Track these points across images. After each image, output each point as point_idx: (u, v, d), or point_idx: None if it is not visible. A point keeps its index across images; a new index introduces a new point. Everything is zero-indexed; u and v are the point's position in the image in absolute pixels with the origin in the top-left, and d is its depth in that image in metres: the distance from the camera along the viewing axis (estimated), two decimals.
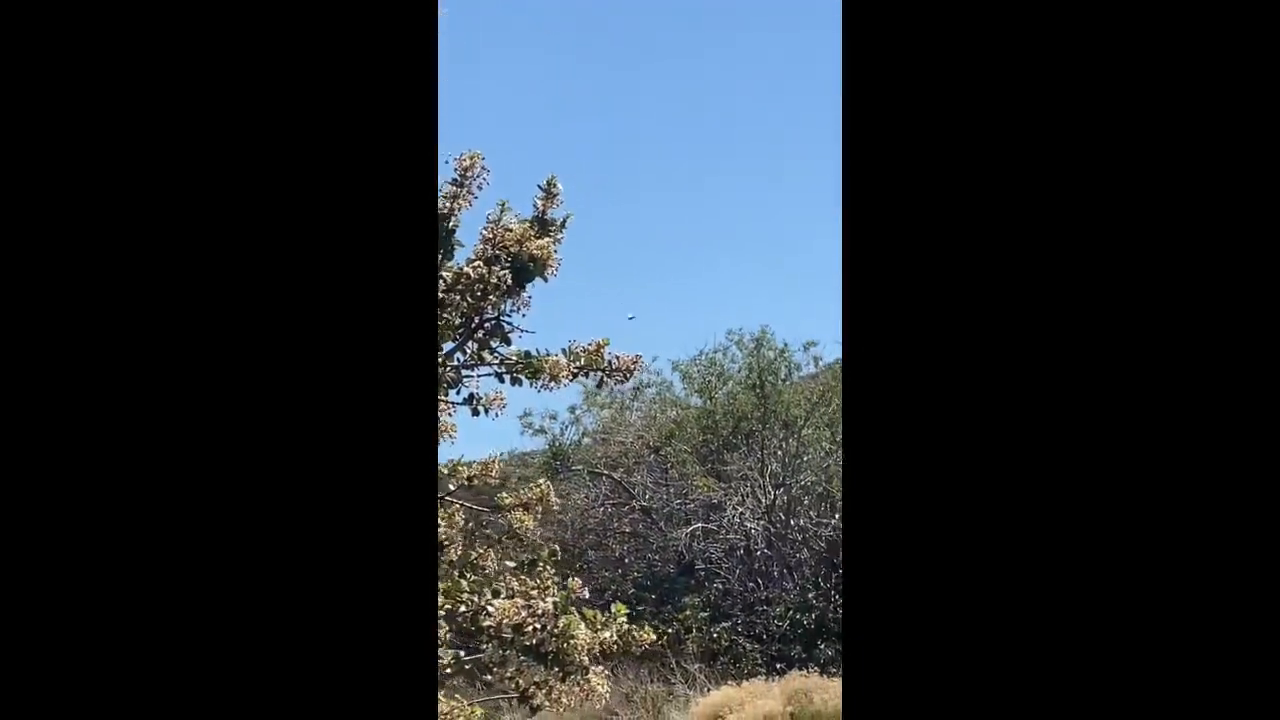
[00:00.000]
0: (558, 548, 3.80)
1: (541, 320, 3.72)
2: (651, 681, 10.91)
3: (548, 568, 3.59)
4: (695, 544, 12.93)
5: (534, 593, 3.39)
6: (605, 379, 3.62)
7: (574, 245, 3.48)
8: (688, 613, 12.24)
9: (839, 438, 12.60)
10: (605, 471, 13.77)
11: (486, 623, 3.19)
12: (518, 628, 3.15)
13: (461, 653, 3.23)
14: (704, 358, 14.08)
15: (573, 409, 14.31)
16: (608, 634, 3.29)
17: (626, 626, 3.31)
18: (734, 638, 11.94)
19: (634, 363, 3.65)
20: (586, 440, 14.40)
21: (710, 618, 12.19)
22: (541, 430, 14.12)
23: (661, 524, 13.40)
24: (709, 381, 13.85)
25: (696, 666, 11.27)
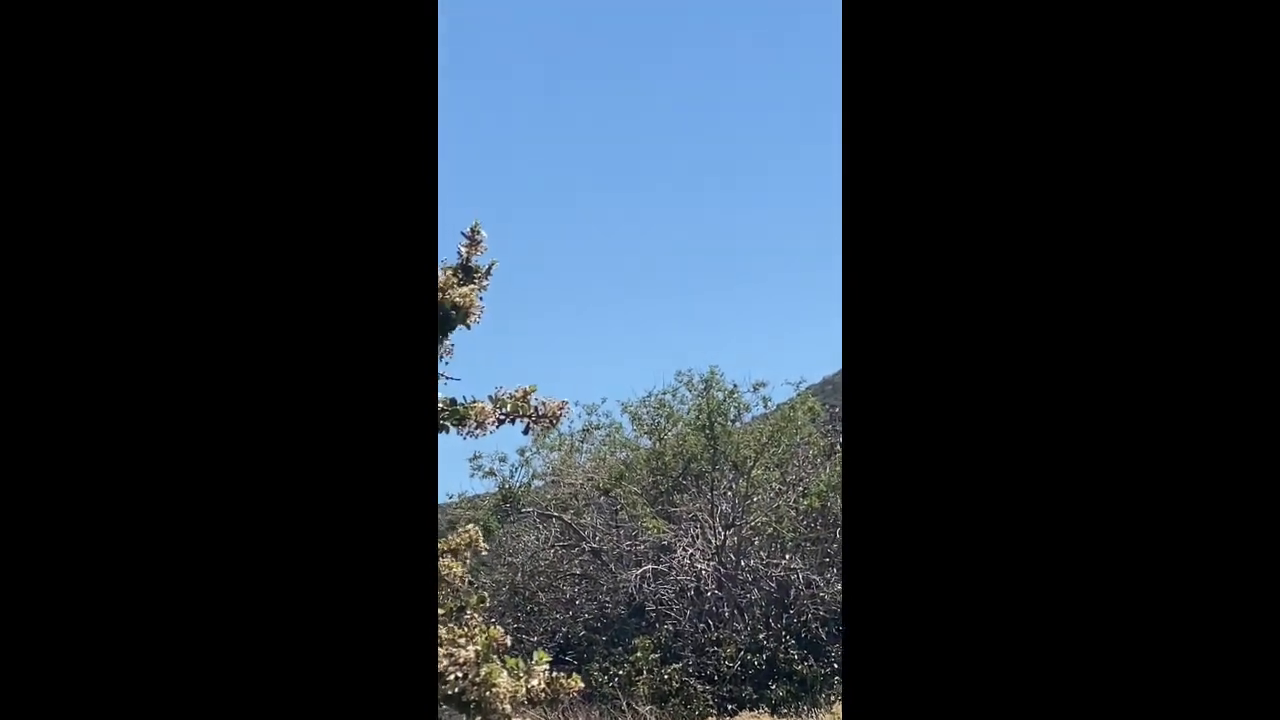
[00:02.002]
0: (486, 594, 3.78)
1: (470, 366, 3.71)
2: None
3: (475, 614, 3.57)
4: (646, 585, 12.90)
5: (461, 640, 3.37)
6: (532, 425, 3.61)
7: (502, 289, 3.48)
8: (639, 654, 12.20)
9: (789, 479, 12.62)
10: (555, 513, 13.74)
11: None
12: (439, 676, 3.13)
13: None
14: (653, 399, 14.08)
15: (522, 451, 14.29)
16: (535, 681, 3.27)
17: (553, 674, 3.29)
18: (685, 679, 11.90)
19: (560, 408, 3.64)
20: (536, 482, 14.37)
21: (661, 659, 12.15)
22: (491, 473, 14.09)
23: (612, 565, 13.37)
24: (658, 423, 13.85)
25: (648, 708, 11.24)
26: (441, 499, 14.22)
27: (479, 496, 14.50)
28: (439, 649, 3.18)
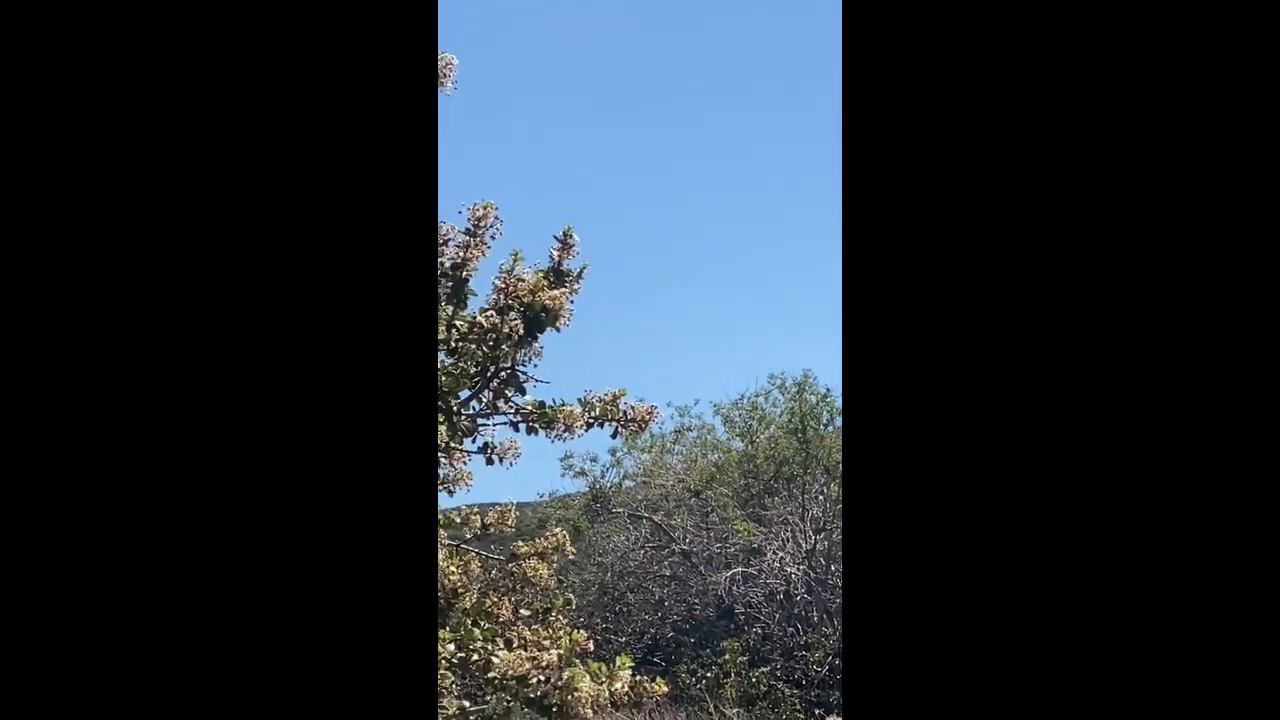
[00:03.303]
0: (572, 597, 3.80)
1: (559, 369, 3.73)
2: None
3: (561, 617, 3.59)
4: (735, 588, 12.86)
5: (545, 643, 3.38)
6: (620, 429, 3.63)
7: (596, 292, 3.49)
8: (727, 657, 12.18)
9: None
10: (645, 514, 13.74)
11: (491, 674, 3.18)
12: (521, 679, 3.14)
13: (467, 703, 3.23)
14: (745, 401, 14.06)
15: (613, 451, 14.31)
16: (617, 685, 3.27)
17: (636, 678, 3.30)
18: (773, 682, 11.86)
19: (649, 413, 3.65)
20: (627, 483, 14.39)
21: (749, 662, 12.12)
22: (582, 473, 14.12)
23: (701, 568, 13.35)
24: (750, 425, 13.82)
25: (735, 711, 11.22)
26: (531, 498, 14.29)
27: (569, 496, 14.53)
28: (523, 651, 3.20)
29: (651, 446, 14.25)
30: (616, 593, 13.44)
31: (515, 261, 3.48)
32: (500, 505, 3.81)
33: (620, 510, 13.97)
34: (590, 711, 3.10)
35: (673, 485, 13.94)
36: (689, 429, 14.48)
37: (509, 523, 3.80)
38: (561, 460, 14.20)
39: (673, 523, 13.67)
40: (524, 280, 3.43)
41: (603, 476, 14.20)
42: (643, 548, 13.73)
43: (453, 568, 3.54)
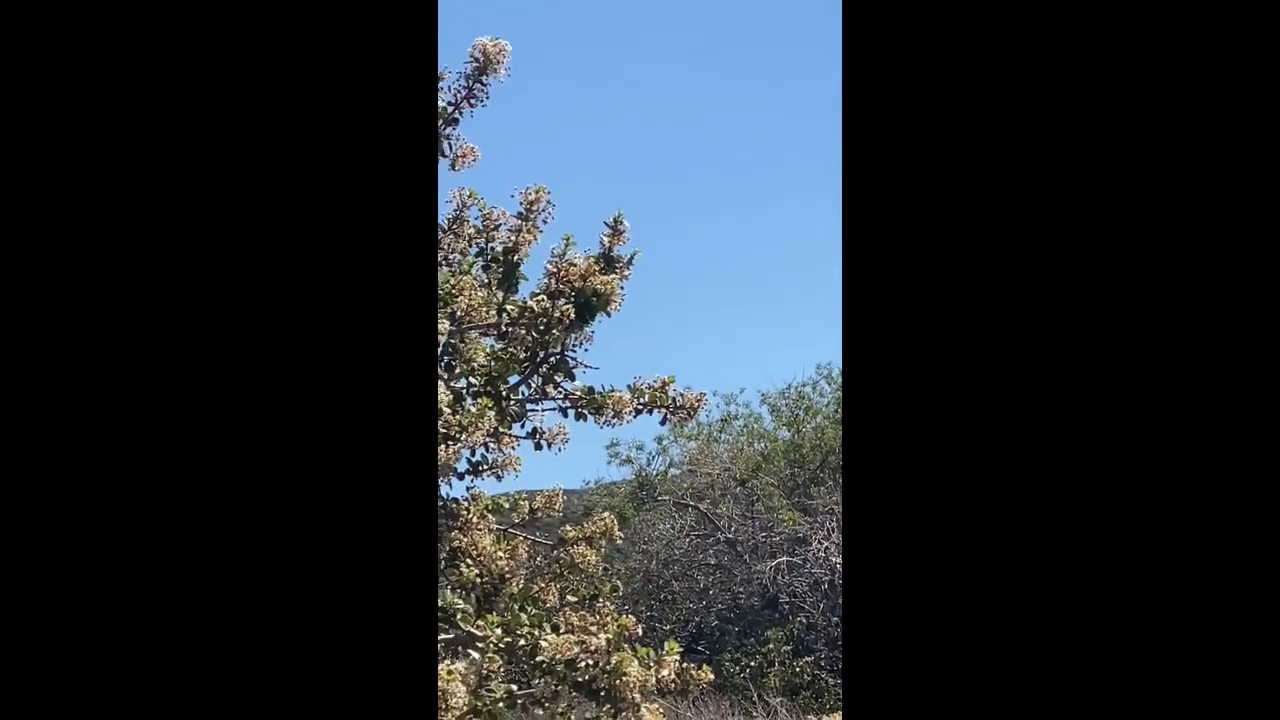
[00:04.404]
0: (619, 583, 3.80)
1: (608, 355, 3.73)
2: (734, 715, 10.87)
3: (608, 603, 3.59)
4: (780, 577, 12.86)
5: (592, 628, 3.39)
6: (670, 415, 3.62)
7: (644, 278, 3.50)
8: (771, 646, 12.19)
9: None
10: (691, 503, 13.75)
11: (540, 658, 3.19)
12: (570, 663, 3.14)
13: (514, 687, 3.24)
14: (792, 391, 14.04)
15: (660, 439, 14.32)
16: (665, 671, 3.27)
17: (683, 665, 3.30)
18: (817, 672, 11.87)
19: (699, 400, 3.65)
20: (673, 471, 14.39)
21: (793, 651, 12.13)
22: (628, 460, 14.14)
23: (746, 556, 13.36)
24: (797, 415, 13.80)
25: (779, 700, 11.21)
26: (577, 485, 14.32)
27: (615, 484, 14.55)
28: (569, 635, 3.20)
29: (698, 435, 14.26)
30: (661, 581, 13.46)
31: (567, 246, 3.48)
32: (548, 491, 3.80)
33: (666, 498, 13.98)
34: (638, 696, 3.09)
35: (719, 474, 13.94)
36: (736, 418, 14.48)
37: (556, 508, 3.80)
38: (608, 448, 14.23)
39: (718, 511, 13.68)
40: (575, 265, 3.43)
41: (649, 464, 14.22)
42: (688, 536, 13.74)
43: (500, 553, 3.55)
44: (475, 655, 3.21)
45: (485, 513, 3.48)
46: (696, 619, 13.12)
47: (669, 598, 13.37)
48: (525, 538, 3.74)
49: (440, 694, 2.96)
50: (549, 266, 3.47)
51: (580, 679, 3.13)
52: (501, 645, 3.31)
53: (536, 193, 3.54)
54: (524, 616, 3.43)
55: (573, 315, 3.42)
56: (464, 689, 3.00)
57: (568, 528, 3.79)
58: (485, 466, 3.68)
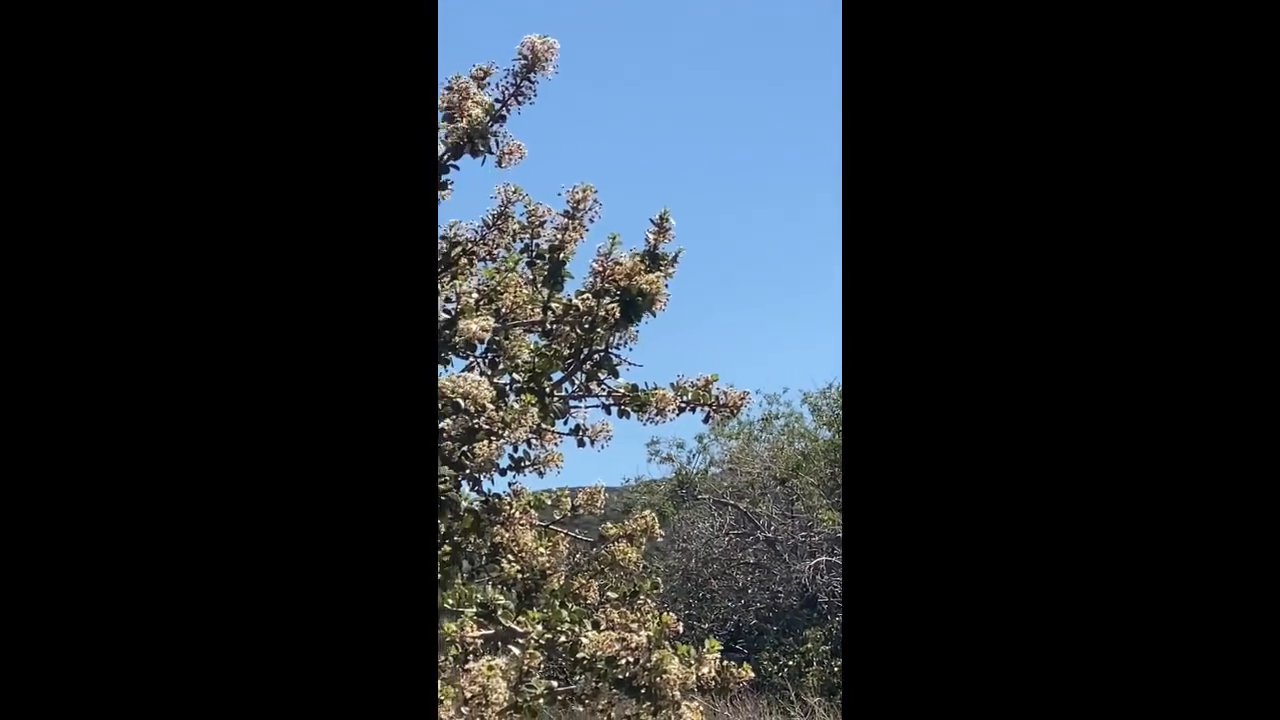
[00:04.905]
0: (660, 580, 3.80)
1: (651, 352, 3.74)
2: (772, 714, 10.87)
3: (648, 600, 3.60)
4: (819, 577, 12.85)
5: (634, 625, 3.39)
6: (713, 414, 3.63)
7: (688, 274, 3.51)
8: (809, 646, 12.18)
9: None
10: (731, 501, 13.75)
11: (581, 654, 3.20)
12: (611, 660, 3.15)
13: (555, 683, 3.25)
14: (834, 390, 14.02)
15: (700, 438, 14.32)
16: (705, 669, 3.28)
17: (724, 663, 3.30)
18: None
19: (742, 399, 3.65)
20: (713, 469, 14.40)
21: (832, 651, 12.11)
22: (668, 458, 14.15)
23: (786, 556, 13.35)
24: (838, 415, 13.78)
25: (817, 700, 11.20)
26: (617, 482, 14.34)
27: (655, 481, 14.57)
28: (608, 633, 3.21)
29: (739, 434, 14.26)
30: (700, 579, 13.47)
31: (613, 245, 3.49)
32: (589, 488, 3.82)
33: (705, 497, 13.99)
34: (678, 694, 3.10)
35: (759, 473, 13.94)
36: (777, 417, 14.47)
37: (598, 505, 3.81)
38: (648, 445, 14.26)
39: (758, 510, 13.67)
40: (621, 264, 3.44)
41: (689, 462, 14.23)
42: (727, 535, 13.74)
43: (541, 549, 3.56)
44: (516, 651, 3.22)
45: (528, 508, 3.49)
46: (735, 618, 13.12)
47: (708, 596, 13.37)
48: (566, 534, 3.76)
49: (481, 690, 2.97)
50: (595, 265, 3.48)
51: (621, 676, 3.14)
52: (542, 641, 3.32)
53: (584, 191, 3.55)
54: (564, 613, 3.44)
55: (618, 314, 3.43)
56: (504, 685, 3.01)
57: (609, 525, 3.81)
58: (527, 463, 3.69)
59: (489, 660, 3.05)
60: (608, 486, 4.04)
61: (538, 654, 3.20)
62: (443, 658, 3.11)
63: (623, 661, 3.15)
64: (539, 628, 3.32)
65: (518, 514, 3.47)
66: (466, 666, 3.05)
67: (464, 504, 3.39)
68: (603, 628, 3.39)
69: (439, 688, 3.08)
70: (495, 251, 3.72)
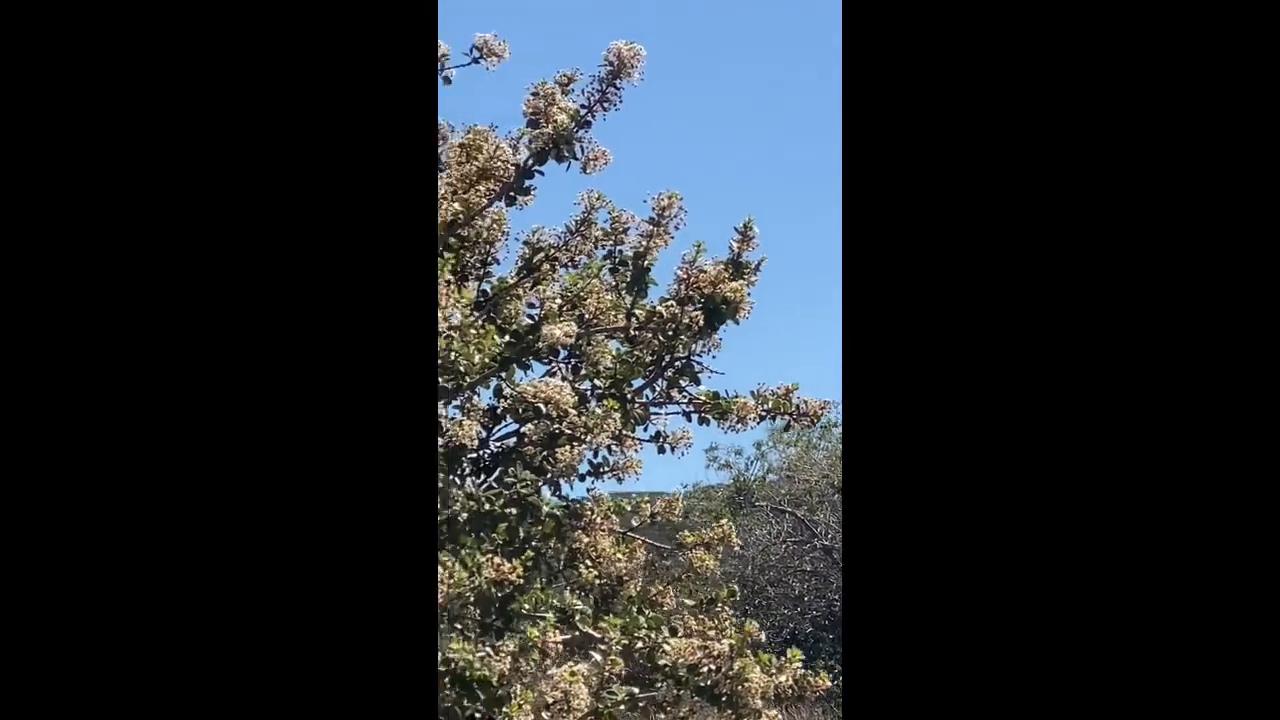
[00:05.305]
0: (737, 588, 3.81)
1: (732, 360, 3.74)
2: None
3: (726, 608, 3.60)
4: None
5: (711, 633, 3.40)
6: (793, 422, 3.64)
7: (768, 281, 3.51)
8: None
9: None
10: (788, 509, 13.71)
11: (662, 661, 3.20)
12: (693, 668, 3.16)
13: (635, 690, 3.25)
14: None
15: (759, 445, 14.29)
16: (783, 678, 3.28)
17: (802, 671, 3.30)
18: None
19: (823, 407, 3.66)
20: (771, 477, 14.36)
21: None
22: (726, 465, 14.13)
23: (842, 564, 13.28)
24: None
25: None
26: (675, 488, 14.32)
27: (713, 487, 14.54)
28: (691, 640, 3.22)
29: (797, 441, 14.21)
30: (756, 586, 13.42)
31: (698, 253, 3.50)
32: (667, 495, 3.83)
33: (763, 504, 13.95)
34: (760, 702, 3.11)
35: (816, 480, 13.89)
36: (835, 425, 14.41)
37: (676, 512, 3.82)
38: (706, 452, 14.23)
39: (815, 518, 13.63)
40: (705, 272, 3.45)
41: (747, 469, 14.19)
42: (784, 542, 13.70)
43: (619, 555, 3.56)
44: (597, 658, 3.23)
45: (609, 515, 3.50)
46: (791, 625, 13.08)
47: (764, 603, 13.33)
48: (643, 541, 3.76)
49: (564, 695, 2.99)
50: (679, 273, 3.49)
51: (702, 684, 3.14)
52: (619, 648, 3.33)
53: (669, 198, 3.56)
54: (641, 619, 3.45)
55: (701, 322, 3.44)
56: (586, 691, 3.02)
57: (686, 533, 3.81)
58: (606, 468, 3.70)
59: (571, 666, 3.06)
60: (665, 492, 4.05)
61: (619, 660, 3.21)
62: (524, 663, 3.12)
63: (704, 669, 3.16)
64: (616, 634, 3.33)
65: (599, 520, 3.48)
66: (549, 672, 3.06)
67: (545, 509, 3.39)
68: (680, 635, 3.39)
69: (518, 693, 3.10)
70: (576, 258, 3.73)
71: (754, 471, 14.23)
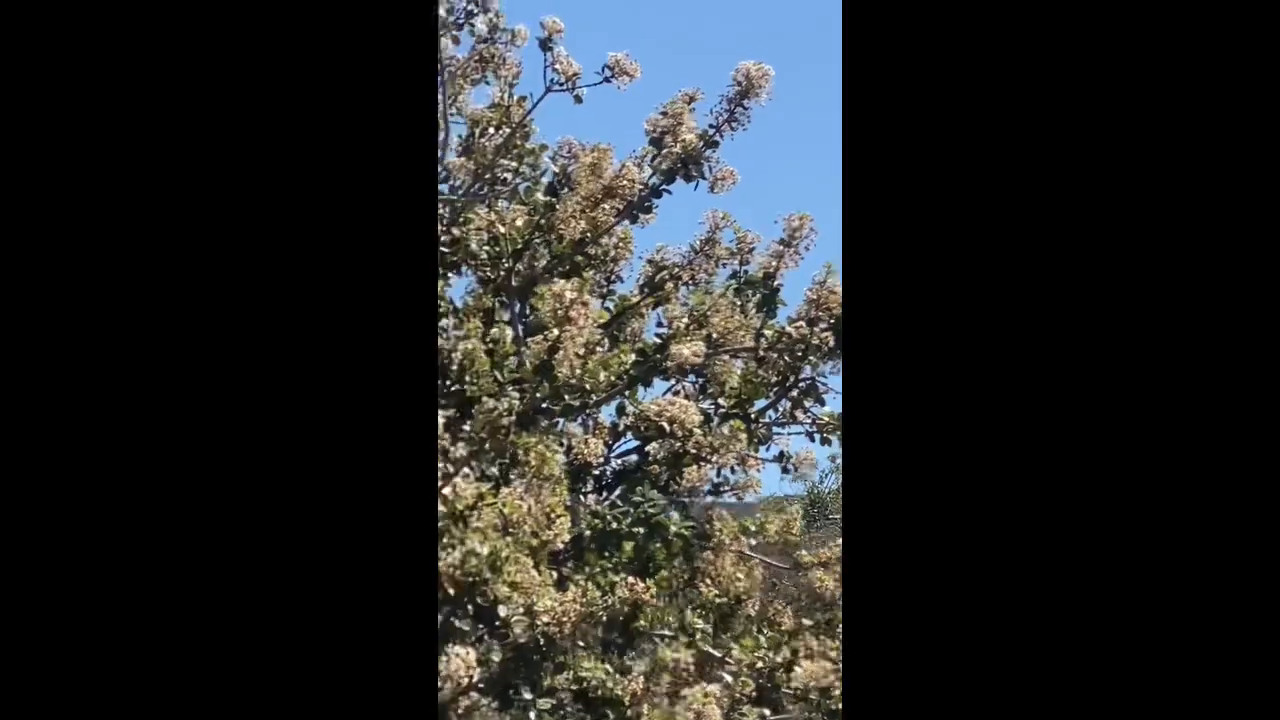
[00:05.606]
0: None
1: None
2: None
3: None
4: None
5: (833, 653, 3.39)
6: None
7: None
8: None
9: None
10: None
11: (795, 684, 3.19)
12: (825, 691, 3.15)
13: (766, 712, 3.24)
14: None
15: (833, 458, 14.24)
16: None
17: None
18: None
19: None
20: None
21: None
22: (801, 477, 14.08)
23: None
24: None
25: None
26: (751, 499, 14.29)
27: (788, 498, 14.52)
28: (826, 662, 3.21)
29: None
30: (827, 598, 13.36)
31: (828, 274, 3.49)
32: (787, 513, 3.81)
33: (836, 518, 13.91)
34: None
35: None
36: None
37: (794, 531, 3.80)
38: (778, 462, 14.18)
39: None
40: (835, 293, 3.44)
41: (821, 482, 14.15)
42: None
43: (739, 574, 3.56)
44: (728, 679, 3.22)
45: (738, 536, 3.50)
46: None
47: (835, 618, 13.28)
48: (761, 560, 3.76)
49: (696, 716, 2.98)
50: (809, 293, 3.48)
51: (835, 707, 3.13)
52: (740, 668, 3.32)
53: (800, 220, 3.57)
54: (761, 639, 3.44)
55: (831, 342, 3.43)
56: (719, 712, 3.01)
57: (803, 552, 3.80)
58: (726, 487, 3.70)
59: (703, 687, 3.06)
60: (739, 505, 4.05)
61: (749, 682, 3.20)
62: (653, 684, 3.12)
63: (836, 693, 3.14)
64: (735, 653, 3.33)
65: (727, 540, 3.47)
66: (681, 693, 3.05)
67: (673, 528, 3.39)
68: (801, 655, 3.38)
69: (646, 712, 3.10)
70: (698, 276, 3.74)
71: (828, 484, 14.19)
